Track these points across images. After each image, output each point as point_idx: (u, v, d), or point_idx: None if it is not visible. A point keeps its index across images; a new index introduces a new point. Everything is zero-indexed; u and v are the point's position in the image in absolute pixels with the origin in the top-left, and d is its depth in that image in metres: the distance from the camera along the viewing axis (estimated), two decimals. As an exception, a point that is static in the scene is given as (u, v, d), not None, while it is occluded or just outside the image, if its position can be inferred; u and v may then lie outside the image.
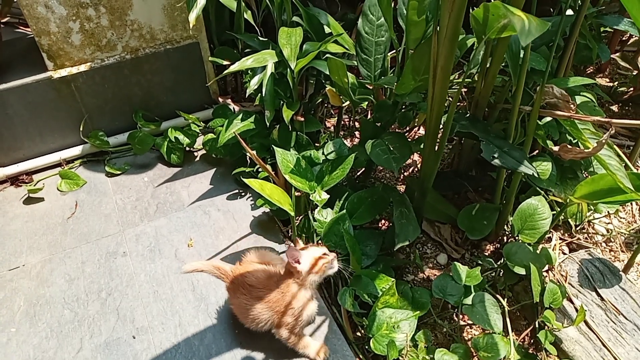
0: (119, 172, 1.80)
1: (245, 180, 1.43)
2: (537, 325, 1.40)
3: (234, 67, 1.53)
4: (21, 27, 2.36)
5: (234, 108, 1.98)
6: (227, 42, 2.02)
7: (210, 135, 1.83)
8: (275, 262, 1.34)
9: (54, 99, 1.74)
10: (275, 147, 1.50)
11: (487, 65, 1.42)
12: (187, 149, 1.88)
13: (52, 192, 1.74)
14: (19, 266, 1.52)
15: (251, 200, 1.72)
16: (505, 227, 1.65)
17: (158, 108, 1.93)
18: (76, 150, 1.85)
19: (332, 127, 2.03)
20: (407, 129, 1.93)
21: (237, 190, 1.76)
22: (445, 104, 1.33)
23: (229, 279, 1.32)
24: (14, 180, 1.79)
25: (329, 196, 1.44)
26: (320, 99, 1.83)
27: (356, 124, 2.08)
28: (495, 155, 1.37)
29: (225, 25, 2.01)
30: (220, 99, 2.07)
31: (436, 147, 1.40)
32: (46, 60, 1.69)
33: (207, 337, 1.33)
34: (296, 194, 1.47)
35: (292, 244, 1.18)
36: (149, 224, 1.63)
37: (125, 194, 1.73)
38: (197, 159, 1.88)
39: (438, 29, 1.16)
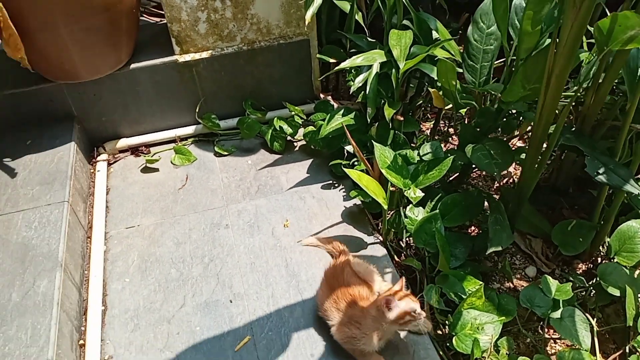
0: (226, 153, 1.95)
1: (346, 170, 1.52)
2: (627, 350, 1.36)
3: (344, 64, 1.62)
4: (145, 16, 2.60)
5: (333, 104, 2.08)
6: (334, 41, 2.12)
7: (311, 128, 1.94)
8: (372, 282, 1.39)
9: (176, 81, 1.92)
10: (374, 142, 1.57)
11: (600, 80, 1.40)
12: (289, 138, 1.99)
13: (166, 165, 1.92)
14: (135, 226, 1.70)
15: (344, 192, 1.80)
16: (601, 248, 1.61)
17: (265, 98, 2.07)
18: (190, 130, 2.03)
19: (427, 131, 2.07)
20: (506, 138, 1.92)
21: (331, 181, 1.85)
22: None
23: (337, 256, 1.45)
24: (135, 150, 2.00)
25: (423, 194, 1.49)
26: (420, 102, 1.88)
27: (450, 130, 2.10)
28: (600, 172, 1.35)
29: (334, 25, 2.11)
30: (322, 95, 2.18)
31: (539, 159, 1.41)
32: (174, 45, 1.88)
33: (296, 311, 1.42)
34: (391, 189, 1.53)
35: (392, 296, 1.19)
36: (250, 202, 1.76)
37: (230, 173, 1.88)
38: (297, 148, 2.00)
39: (557, 37, 1.18)
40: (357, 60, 1.63)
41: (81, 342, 1.40)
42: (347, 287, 1.33)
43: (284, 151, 1.96)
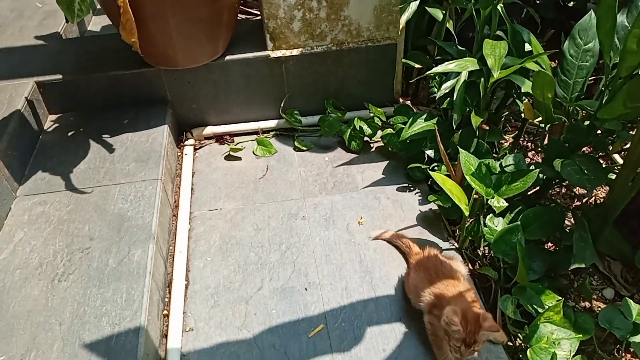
0: (305, 149, 2.02)
1: (430, 173, 1.54)
2: None
3: (437, 69, 1.64)
4: (236, 13, 2.72)
5: (413, 109, 2.10)
6: (418, 47, 2.14)
7: (389, 130, 1.97)
8: (458, 274, 1.43)
9: (266, 75, 2.00)
10: (460, 149, 1.58)
11: None
12: (366, 139, 2.03)
13: (248, 155, 2.01)
14: (217, 209, 1.78)
15: (419, 196, 1.82)
16: (687, 278, 1.55)
17: (346, 98, 2.11)
18: (272, 123, 2.10)
19: (506, 143, 2.05)
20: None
21: (406, 184, 1.87)
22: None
23: (411, 254, 1.51)
24: (219, 138, 2.09)
25: (507, 204, 1.48)
26: (505, 113, 1.87)
27: (530, 145, 2.08)
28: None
29: (421, 32, 2.13)
30: (401, 100, 2.20)
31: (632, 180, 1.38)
32: (267, 41, 1.96)
33: (369, 306, 1.46)
34: (474, 196, 1.54)
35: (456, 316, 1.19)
36: (326, 197, 1.81)
37: (308, 167, 1.94)
38: (373, 149, 2.03)
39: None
40: (450, 66, 1.65)
41: (165, 312, 1.49)
42: (441, 275, 1.37)
43: (360, 151, 2.00)
